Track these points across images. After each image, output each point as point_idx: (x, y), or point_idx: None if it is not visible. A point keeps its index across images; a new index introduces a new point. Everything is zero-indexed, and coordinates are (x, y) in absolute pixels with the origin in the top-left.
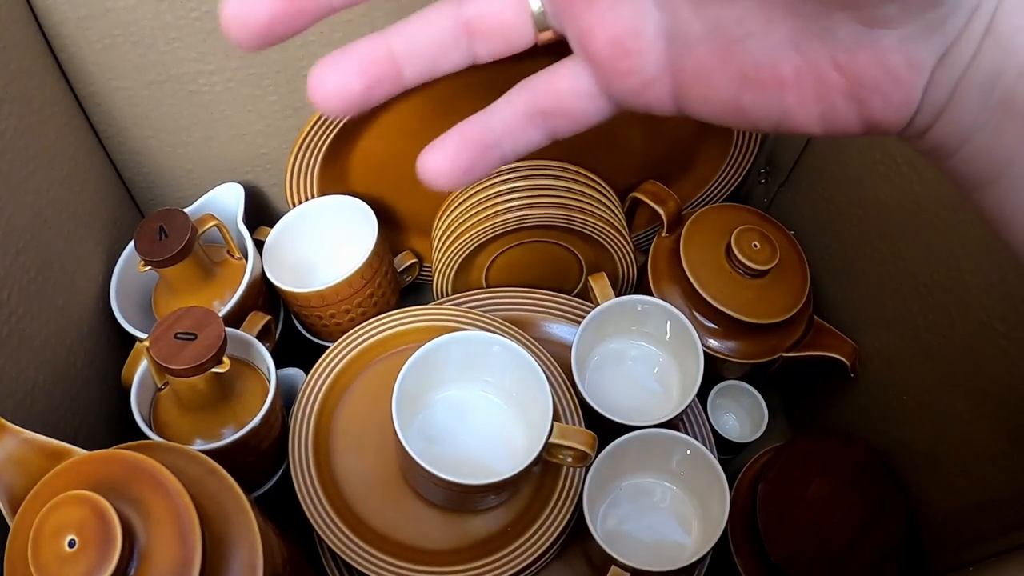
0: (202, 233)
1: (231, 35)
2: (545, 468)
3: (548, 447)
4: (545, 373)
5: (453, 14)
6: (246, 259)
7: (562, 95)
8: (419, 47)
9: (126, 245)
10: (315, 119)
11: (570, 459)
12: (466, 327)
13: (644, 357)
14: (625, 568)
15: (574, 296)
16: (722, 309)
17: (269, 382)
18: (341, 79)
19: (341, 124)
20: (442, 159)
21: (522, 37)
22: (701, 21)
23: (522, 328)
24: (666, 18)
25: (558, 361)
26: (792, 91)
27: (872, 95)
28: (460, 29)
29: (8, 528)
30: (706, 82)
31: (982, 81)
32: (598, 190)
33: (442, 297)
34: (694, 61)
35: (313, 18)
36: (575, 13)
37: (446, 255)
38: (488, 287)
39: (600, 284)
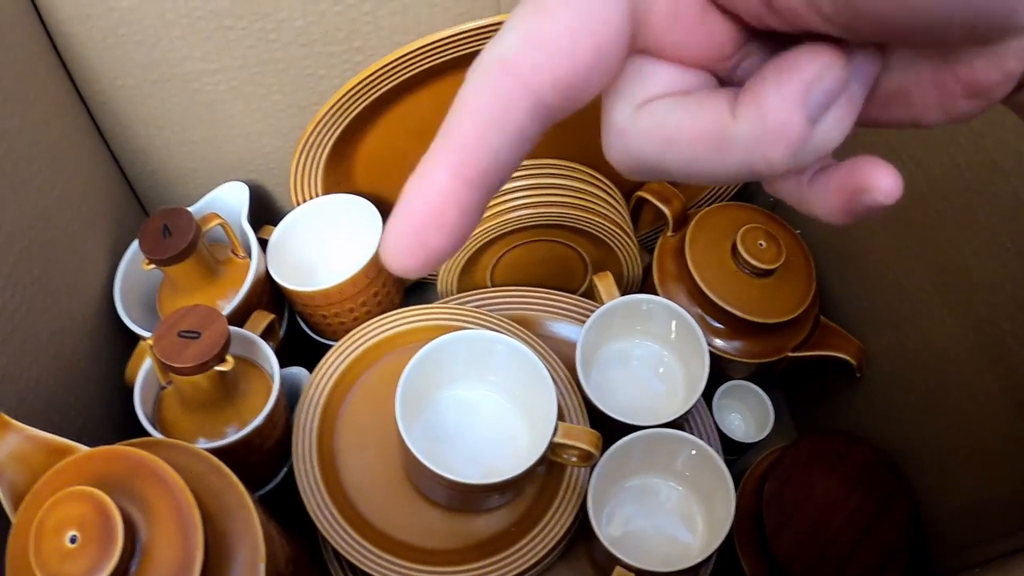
0: (206, 232)
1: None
2: (549, 468)
3: (552, 447)
4: (550, 372)
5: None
6: (250, 258)
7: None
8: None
9: (130, 244)
10: (319, 117)
11: (574, 459)
12: (470, 326)
13: (649, 357)
14: (629, 569)
15: (579, 295)
16: (728, 308)
17: (273, 381)
18: None
19: (345, 123)
20: None
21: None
22: None
23: (527, 327)
24: None
25: (563, 360)
26: (916, 103)
27: (990, 92)
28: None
29: (10, 524)
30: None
31: None
32: (603, 189)
33: (447, 296)
34: None
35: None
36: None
37: None
38: (493, 286)
39: (605, 283)
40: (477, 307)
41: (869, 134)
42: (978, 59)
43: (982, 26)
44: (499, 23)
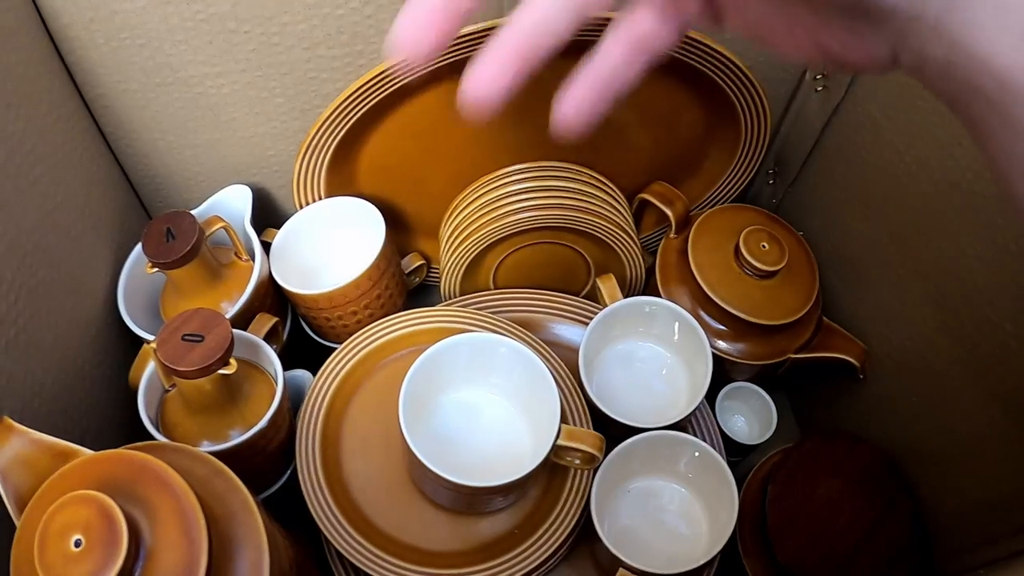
0: (209, 235)
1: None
2: (553, 470)
3: (556, 449)
4: (552, 375)
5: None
6: (253, 261)
7: (648, 30)
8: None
9: (134, 247)
10: (322, 121)
11: (578, 461)
12: (473, 329)
13: (652, 359)
14: (633, 571)
15: (582, 297)
16: (730, 310)
17: (276, 384)
18: None
19: (348, 126)
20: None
21: None
22: None
23: (530, 329)
24: None
25: (566, 363)
26: (783, 43)
27: (839, 61)
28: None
29: (15, 527)
30: (726, 20)
31: (940, 56)
32: (606, 191)
33: (450, 298)
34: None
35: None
36: None
37: (454, 256)
38: (496, 288)
39: (608, 285)
40: (480, 309)
41: (871, 134)
42: (842, 33)
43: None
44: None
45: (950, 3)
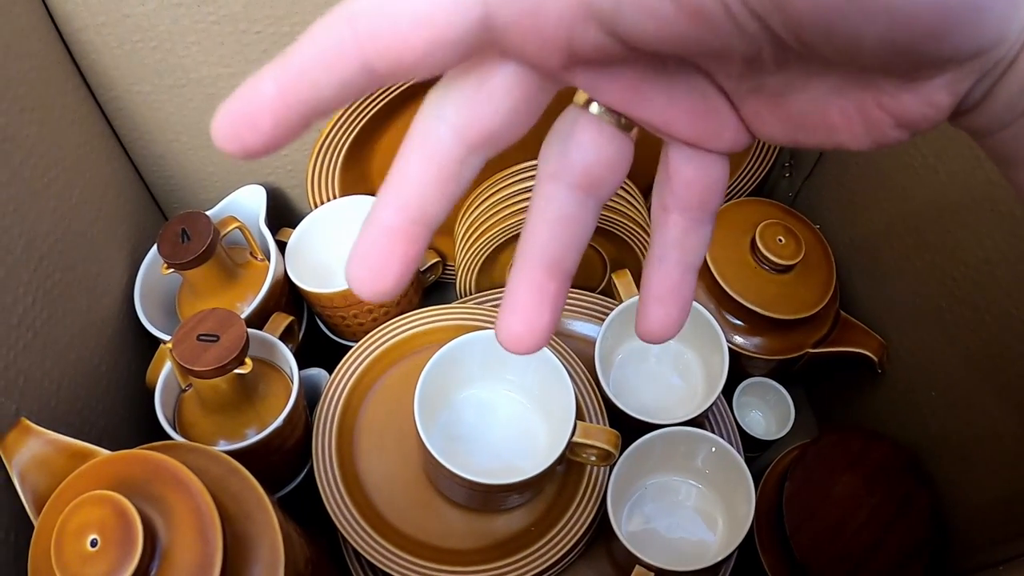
0: (224, 235)
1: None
2: (569, 467)
3: (571, 446)
4: (568, 371)
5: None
6: (268, 260)
7: (698, 182)
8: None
9: (149, 248)
10: (335, 119)
11: (594, 458)
12: (489, 326)
13: (668, 354)
14: (649, 568)
15: (597, 293)
16: (747, 305)
17: (292, 382)
18: None
19: (361, 124)
20: (661, 327)
21: (622, 149)
22: (745, 87)
23: None
24: (718, 89)
25: (581, 359)
26: (839, 129)
27: (916, 122)
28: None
29: (33, 527)
30: (760, 126)
31: (1018, 82)
32: (622, 186)
33: (466, 296)
34: (747, 112)
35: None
36: (640, 114)
37: (469, 253)
38: None
39: (624, 281)
40: (495, 307)
41: None
42: (904, 93)
43: (903, 58)
44: None
45: None
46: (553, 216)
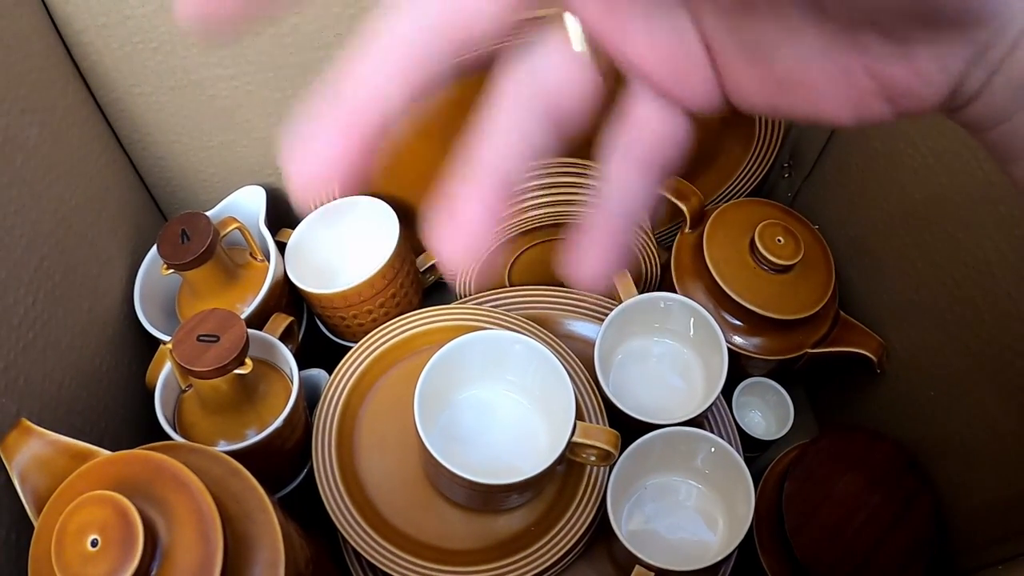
0: (224, 236)
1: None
2: (569, 467)
3: (571, 446)
4: (568, 372)
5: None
6: (268, 261)
7: (655, 134)
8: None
9: (149, 249)
10: None
11: (593, 458)
12: (488, 326)
13: (668, 355)
14: (649, 568)
15: (597, 294)
16: (746, 305)
17: (292, 383)
18: None
19: None
20: (591, 270)
21: (590, 82)
22: (730, 34)
23: (545, 326)
24: (700, 35)
25: (581, 359)
26: (823, 95)
27: (904, 96)
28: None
29: (33, 527)
30: (738, 87)
31: (1017, 72)
32: None
33: (465, 296)
34: (728, 70)
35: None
36: (614, 39)
37: None
38: (510, 285)
39: (623, 282)
40: (495, 307)
41: (887, 126)
42: (894, 61)
43: None
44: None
45: None
46: (516, 134)
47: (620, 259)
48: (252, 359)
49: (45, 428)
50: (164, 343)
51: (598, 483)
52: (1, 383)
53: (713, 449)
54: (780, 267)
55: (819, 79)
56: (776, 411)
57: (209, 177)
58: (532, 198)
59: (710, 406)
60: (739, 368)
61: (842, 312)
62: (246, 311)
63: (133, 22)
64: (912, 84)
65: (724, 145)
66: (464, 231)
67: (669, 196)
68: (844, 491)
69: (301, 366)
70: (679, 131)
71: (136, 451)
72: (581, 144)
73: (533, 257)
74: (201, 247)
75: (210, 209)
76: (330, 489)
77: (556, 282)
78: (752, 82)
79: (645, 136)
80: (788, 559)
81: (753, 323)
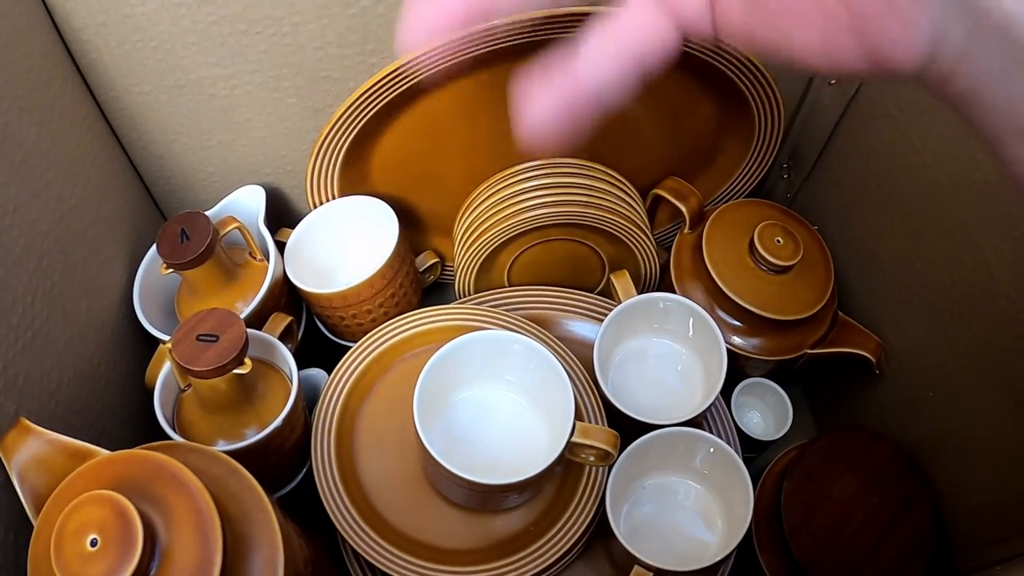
0: (223, 235)
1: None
2: (568, 467)
3: (570, 446)
4: (567, 372)
5: None
6: (268, 260)
7: (642, 32)
8: None
9: (148, 248)
10: (334, 120)
11: (592, 458)
12: (488, 326)
13: (667, 355)
14: (648, 567)
15: (596, 294)
16: (745, 306)
17: (291, 383)
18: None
19: (361, 125)
20: (540, 123)
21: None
22: None
23: (544, 327)
24: None
25: (580, 360)
26: (798, 21)
27: (875, 30)
28: None
29: (32, 527)
30: (728, 7)
31: (999, 24)
32: (620, 187)
33: (464, 296)
34: None
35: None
36: None
37: (468, 254)
38: (510, 286)
39: (622, 282)
40: (494, 307)
41: (886, 127)
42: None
43: None
44: (512, 23)
45: None
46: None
47: (566, 121)
48: (251, 359)
49: (44, 427)
50: (163, 342)
51: (597, 483)
52: (0, 382)
53: (712, 449)
54: (779, 268)
55: (795, 3)
56: (775, 411)
57: (208, 176)
58: (532, 198)
59: (709, 406)
60: (738, 368)
61: (841, 313)
62: (245, 311)
63: (132, 20)
64: (882, 14)
65: (723, 145)
66: (428, 28)
67: (668, 196)
68: (843, 491)
69: (300, 366)
70: (666, 42)
71: (135, 451)
72: (581, 144)
73: (533, 257)
74: (200, 246)
75: (209, 208)
76: (329, 489)
77: (556, 282)
78: (737, 6)
79: (631, 33)
80: (787, 559)
81: (752, 323)
